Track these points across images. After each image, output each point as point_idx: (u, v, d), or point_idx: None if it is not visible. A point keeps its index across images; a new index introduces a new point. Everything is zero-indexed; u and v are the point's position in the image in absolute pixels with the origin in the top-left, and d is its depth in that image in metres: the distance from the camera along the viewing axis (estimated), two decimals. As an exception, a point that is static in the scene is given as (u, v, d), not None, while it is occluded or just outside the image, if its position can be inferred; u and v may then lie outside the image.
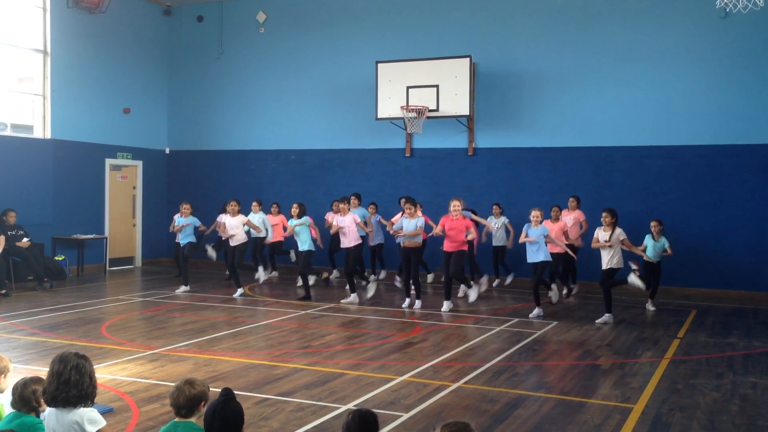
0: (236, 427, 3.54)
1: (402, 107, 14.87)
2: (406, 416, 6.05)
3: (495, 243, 14.07)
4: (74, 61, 16.05)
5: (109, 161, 17.00)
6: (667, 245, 12.00)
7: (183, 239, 13.55)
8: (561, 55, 14.84)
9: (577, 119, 14.76)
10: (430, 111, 14.83)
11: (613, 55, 14.50)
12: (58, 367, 3.86)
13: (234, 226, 12.99)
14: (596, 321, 10.69)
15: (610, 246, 10.71)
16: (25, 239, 13.57)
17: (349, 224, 12.42)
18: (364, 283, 13.33)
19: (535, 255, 11.15)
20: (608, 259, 10.77)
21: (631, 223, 12.74)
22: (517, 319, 10.87)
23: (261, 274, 14.46)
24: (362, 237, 13.08)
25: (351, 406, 6.24)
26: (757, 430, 5.93)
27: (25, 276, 13.78)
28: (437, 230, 11.68)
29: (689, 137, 13.96)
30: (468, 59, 14.74)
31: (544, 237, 11.11)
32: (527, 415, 6.19)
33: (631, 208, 13.84)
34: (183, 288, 13.33)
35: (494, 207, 14.20)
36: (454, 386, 7.05)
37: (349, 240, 12.48)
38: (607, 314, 10.74)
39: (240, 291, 12.94)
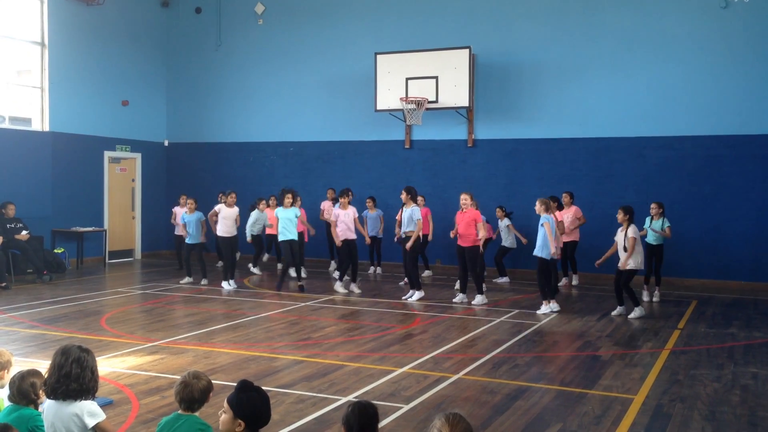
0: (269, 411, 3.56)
1: (401, 99, 14.82)
2: (406, 408, 6.05)
3: (502, 243, 13.89)
4: (72, 53, 15.98)
5: (108, 154, 16.96)
6: (666, 226, 11.69)
7: (191, 239, 13.41)
8: (560, 45, 14.78)
9: (576, 110, 14.70)
10: (430, 102, 14.78)
11: (612, 45, 14.44)
12: (59, 360, 3.84)
13: (227, 216, 13.02)
14: (629, 316, 10.39)
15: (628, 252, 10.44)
16: (24, 232, 13.55)
17: (350, 220, 12.36)
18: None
19: (540, 249, 10.94)
20: (625, 260, 10.41)
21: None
22: (517, 311, 10.85)
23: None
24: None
25: (351, 398, 6.24)
26: (757, 420, 5.93)
27: (25, 269, 13.76)
28: (454, 231, 11.55)
29: (689, 128, 13.92)
30: (467, 50, 14.68)
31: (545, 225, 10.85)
32: (528, 406, 6.19)
33: (631, 198, 13.77)
34: (204, 281, 13.38)
35: (497, 210, 14.00)
36: (454, 378, 7.04)
37: (352, 232, 12.40)
38: (637, 307, 10.47)
39: (233, 284, 12.91)
